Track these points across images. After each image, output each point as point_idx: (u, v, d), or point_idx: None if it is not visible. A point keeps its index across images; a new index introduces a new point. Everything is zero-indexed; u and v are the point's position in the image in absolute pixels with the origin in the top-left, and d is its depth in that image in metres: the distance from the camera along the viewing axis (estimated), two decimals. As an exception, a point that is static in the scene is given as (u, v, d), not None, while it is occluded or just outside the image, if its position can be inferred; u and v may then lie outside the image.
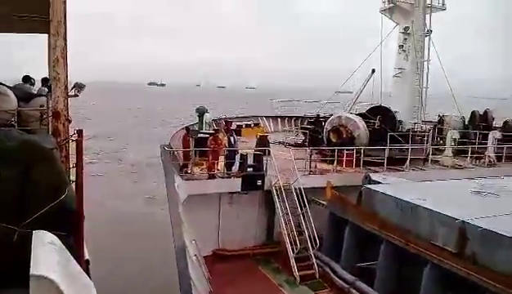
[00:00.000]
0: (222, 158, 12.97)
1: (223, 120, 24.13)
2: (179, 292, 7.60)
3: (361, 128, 16.39)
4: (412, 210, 9.76)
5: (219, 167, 12.83)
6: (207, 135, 13.95)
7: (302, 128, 21.09)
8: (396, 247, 9.56)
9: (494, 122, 22.55)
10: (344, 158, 14.72)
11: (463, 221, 8.40)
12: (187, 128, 15.00)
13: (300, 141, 19.93)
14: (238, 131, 19.20)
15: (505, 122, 22.66)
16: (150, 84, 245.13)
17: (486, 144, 18.77)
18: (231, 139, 13.63)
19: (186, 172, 12.41)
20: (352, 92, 23.48)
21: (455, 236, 8.42)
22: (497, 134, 19.24)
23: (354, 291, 10.21)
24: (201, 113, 18.61)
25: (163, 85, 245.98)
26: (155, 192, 21.09)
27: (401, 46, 21.16)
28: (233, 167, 12.91)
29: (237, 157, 13.06)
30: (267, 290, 10.97)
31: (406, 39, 21.00)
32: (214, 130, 14.92)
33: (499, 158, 18.43)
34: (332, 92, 25.43)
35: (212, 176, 12.40)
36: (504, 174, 15.15)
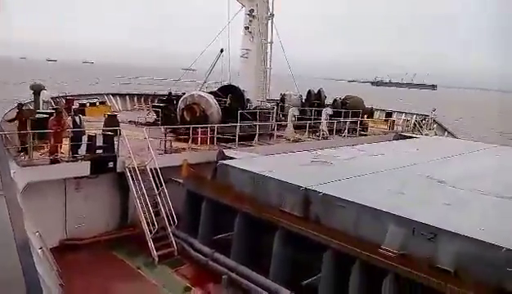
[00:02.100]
0: (66, 140, 11.84)
1: (64, 98, 21.92)
2: (25, 290, 6.80)
3: (213, 106, 16.76)
4: (262, 181, 10.52)
5: (63, 151, 11.71)
6: (46, 116, 12.53)
7: (153, 107, 20.51)
8: (250, 216, 10.20)
9: (326, 100, 25.46)
10: (199, 136, 14.92)
11: (306, 188, 9.43)
12: (20, 107, 13.22)
13: (152, 120, 19.43)
14: (81, 111, 17.66)
15: (334, 100, 25.84)
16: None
17: (320, 119, 21.14)
18: (76, 119, 12.51)
19: (24, 158, 11.00)
20: (195, 70, 23.76)
21: (300, 202, 9.42)
22: (329, 110, 21.82)
23: (212, 262, 10.60)
24: (37, 90, 16.55)
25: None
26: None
27: (246, 28, 22.06)
28: (79, 150, 11.90)
29: (84, 138, 12.07)
30: (125, 274, 10.61)
31: (251, 21, 21.96)
32: (53, 109, 13.49)
33: (331, 132, 21.01)
34: (177, 71, 25.19)
35: (55, 161, 11.25)
36: (335, 145, 17.43)
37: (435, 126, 30.32)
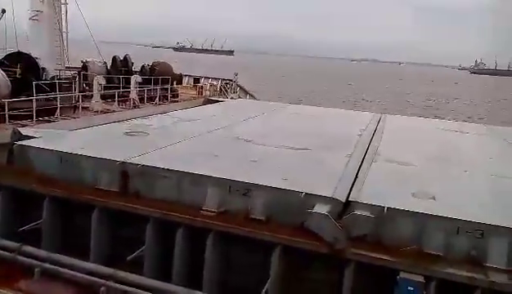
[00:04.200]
0: None
1: None
2: None
3: (0, 79, 14.29)
4: (72, 160, 9.65)
5: None
6: None
7: None
8: (60, 200, 9.29)
9: (134, 67, 24.57)
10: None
11: (123, 162, 9.08)
12: None
13: None
14: None
15: (142, 67, 25.16)
16: None
17: (129, 87, 20.36)
18: None
19: None
20: None
21: (117, 177, 9.04)
22: (138, 78, 21.17)
23: (20, 257, 9.37)
24: None
25: None
26: None
27: (33, -16, 19.23)
28: None
29: None
30: None
31: (41, -21, 19.20)
32: None
33: (141, 100, 20.50)
34: None
35: None
36: (147, 114, 17.12)
37: (238, 89, 32.74)
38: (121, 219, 8.79)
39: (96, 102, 18.19)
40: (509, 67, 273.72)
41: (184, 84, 29.99)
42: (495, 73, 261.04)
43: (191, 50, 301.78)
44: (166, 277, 8.11)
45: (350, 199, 7.82)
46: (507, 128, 21.78)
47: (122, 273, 7.75)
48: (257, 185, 8.15)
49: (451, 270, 6.77)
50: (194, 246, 8.20)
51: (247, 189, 8.14)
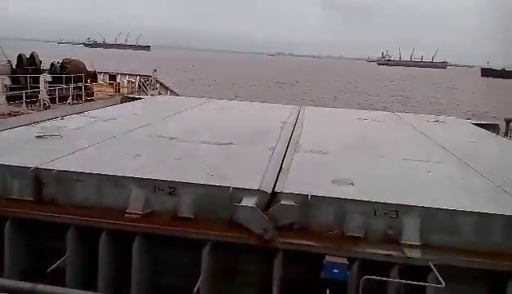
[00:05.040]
0: None
1: None
2: None
3: None
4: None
5: None
6: None
7: None
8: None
9: (42, 65, 22.87)
10: None
11: (36, 168, 8.42)
12: None
13: None
14: None
15: (52, 65, 23.50)
16: None
17: (38, 87, 18.92)
18: None
19: None
20: None
21: (30, 184, 8.36)
22: (47, 77, 19.74)
23: None
24: None
25: None
26: None
27: None
28: None
29: None
30: None
31: None
32: None
33: (52, 100, 19.15)
34: None
35: None
36: (60, 114, 16.04)
37: (158, 85, 31.92)
38: (37, 229, 8.17)
39: (1, 104, 16.66)
40: (411, 58, 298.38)
41: (99, 82, 28.52)
42: (397, 63, 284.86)
43: (105, 45, 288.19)
44: (91, 286, 7.72)
45: (276, 190, 8.02)
46: (413, 115, 23.89)
47: (42, 287, 7.21)
48: (183, 183, 8.04)
49: (370, 250, 7.24)
50: (119, 251, 7.88)
51: (173, 187, 7.99)
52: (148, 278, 7.95)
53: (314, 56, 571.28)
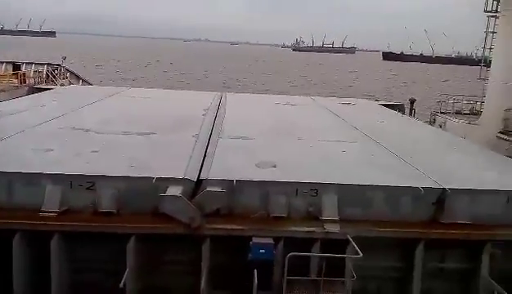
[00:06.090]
0: None
1: None
2: None
3: None
4: None
5: None
6: None
7: None
8: None
9: None
10: None
11: None
12: None
13: None
14: None
15: None
16: None
17: None
18: None
19: None
20: None
21: None
22: None
23: None
24: None
25: None
26: None
27: None
28: None
29: None
30: None
31: None
32: None
33: None
34: None
35: None
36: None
37: (68, 74, 29.94)
38: None
39: None
40: (323, 44, 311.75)
41: (2, 72, 25.98)
42: (311, 49, 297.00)
43: (3, 32, 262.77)
44: (7, 293, 7.16)
45: (201, 177, 8.02)
46: (327, 98, 25.09)
47: None
48: (102, 177, 7.69)
49: (294, 228, 7.58)
50: (35, 252, 7.38)
51: (91, 182, 7.62)
52: (69, 278, 7.57)
53: (231, 43, 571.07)
